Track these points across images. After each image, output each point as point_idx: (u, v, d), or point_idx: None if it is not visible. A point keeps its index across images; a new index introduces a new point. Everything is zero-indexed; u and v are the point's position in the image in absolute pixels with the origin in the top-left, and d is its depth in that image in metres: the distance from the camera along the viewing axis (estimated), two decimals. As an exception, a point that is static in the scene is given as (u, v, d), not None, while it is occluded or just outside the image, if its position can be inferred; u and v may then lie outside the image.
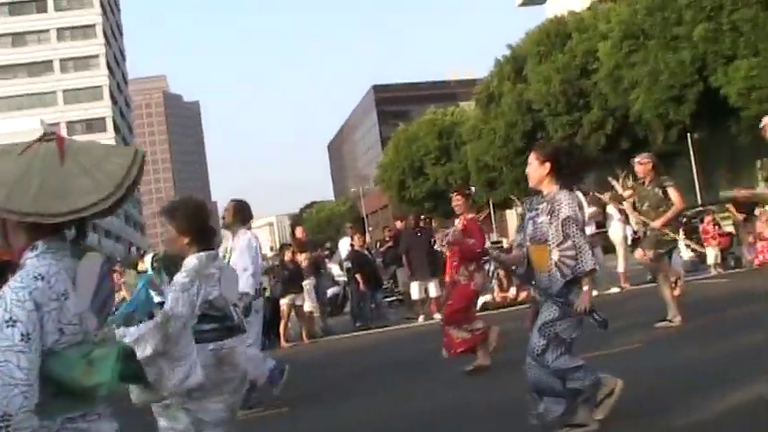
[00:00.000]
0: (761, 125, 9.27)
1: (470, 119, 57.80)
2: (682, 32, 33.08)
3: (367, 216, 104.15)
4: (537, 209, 5.64)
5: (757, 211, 19.16)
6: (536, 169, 5.71)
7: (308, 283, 17.08)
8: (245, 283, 8.35)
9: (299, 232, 19.30)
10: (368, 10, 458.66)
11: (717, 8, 31.50)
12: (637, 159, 11.25)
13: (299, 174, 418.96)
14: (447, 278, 10.53)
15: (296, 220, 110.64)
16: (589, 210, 17.46)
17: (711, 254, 19.68)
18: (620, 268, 17.76)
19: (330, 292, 20.21)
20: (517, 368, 5.74)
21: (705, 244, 19.76)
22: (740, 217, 18.91)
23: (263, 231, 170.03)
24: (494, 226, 77.69)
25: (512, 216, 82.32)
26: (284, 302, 16.29)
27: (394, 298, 21.54)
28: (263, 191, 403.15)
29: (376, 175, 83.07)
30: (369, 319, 17.78)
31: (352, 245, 18.38)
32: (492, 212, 58.87)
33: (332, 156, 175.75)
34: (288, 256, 16.87)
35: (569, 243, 5.43)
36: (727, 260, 19.75)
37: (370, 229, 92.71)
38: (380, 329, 16.86)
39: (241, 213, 8.77)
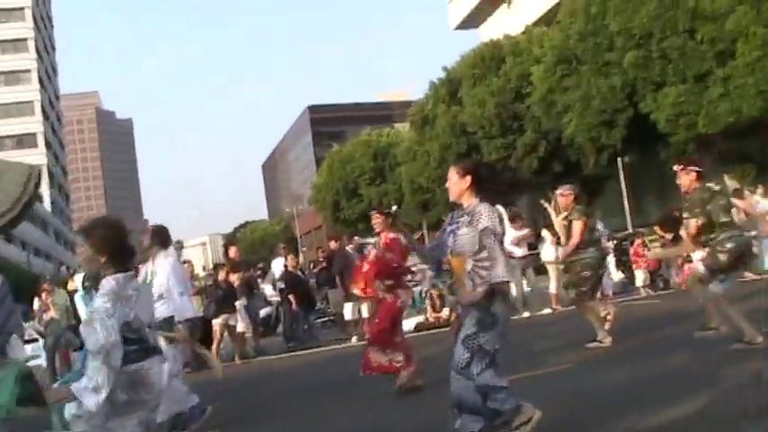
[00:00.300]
0: (675, 167, 9.32)
1: (405, 140, 58.01)
2: (613, 59, 33.61)
3: (301, 236, 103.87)
4: (458, 222, 5.65)
5: (683, 233, 19.47)
6: (456, 183, 5.74)
7: (240, 304, 16.96)
8: (184, 307, 8.29)
9: (232, 252, 19.16)
10: (305, 30, 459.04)
11: (646, 36, 32.07)
12: (559, 191, 11.40)
13: (233, 193, 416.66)
14: (355, 290, 10.48)
15: (229, 240, 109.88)
16: (522, 231, 17.64)
17: (641, 276, 20.02)
18: (552, 289, 17.94)
19: (263, 312, 20.11)
20: (444, 388, 5.73)
21: (635, 266, 20.10)
22: (669, 237, 19.24)
23: (195, 251, 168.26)
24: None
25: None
26: (217, 322, 16.14)
27: (327, 319, 21.50)
28: (196, 210, 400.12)
29: (310, 196, 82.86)
30: (301, 339, 17.71)
31: (285, 265, 18.32)
32: (426, 234, 59.06)
33: (266, 175, 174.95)
34: (221, 275, 16.75)
35: (485, 254, 5.44)
36: (656, 282, 20.09)
37: (304, 249, 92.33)
38: (313, 350, 16.80)
39: (159, 236, 8.74)
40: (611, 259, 20.44)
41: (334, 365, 13.74)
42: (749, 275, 19.29)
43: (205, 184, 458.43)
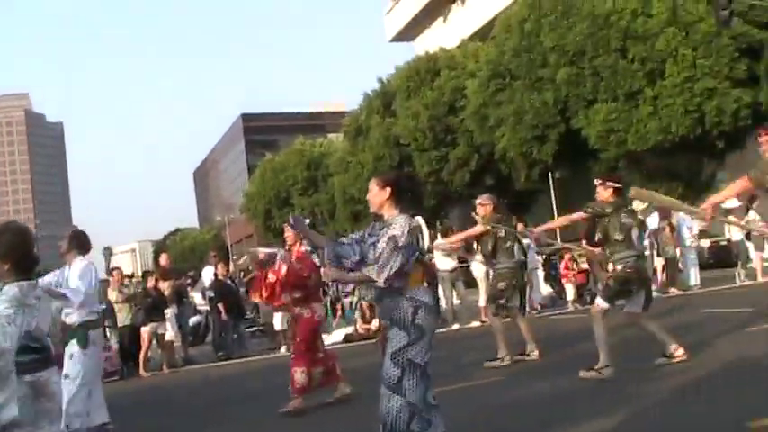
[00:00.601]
0: (596, 182, 9.41)
1: (338, 151, 57.95)
2: (546, 75, 33.97)
3: (231, 245, 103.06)
4: (378, 234, 5.58)
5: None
6: (376, 195, 5.72)
7: (170, 312, 16.80)
8: (77, 310, 8.01)
9: (163, 260, 19.01)
10: (240, 38, 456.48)
11: (579, 53, 32.50)
12: (478, 201, 11.39)
13: (164, 200, 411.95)
14: (256, 299, 10.34)
15: (160, 247, 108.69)
16: (454, 238, 17.73)
17: (570, 290, 20.26)
18: (482, 302, 18.04)
19: (192, 321, 19.94)
20: (374, 399, 5.70)
21: (564, 280, 20.36)
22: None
23: (125, 257, 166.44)
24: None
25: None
26: (145, 330, 15.96)
27: (256, 328, 21.38)
28: (126, 216, 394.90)
29: (242, 204, 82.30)
30: (230, 349, 17.59)
31: (215, 274, 18.18)
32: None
33: (198, 183, 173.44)
34: (150, 283, 16.57)
35: (381, 255, 5.38)
36: (583, 296, 20.35)
37: (234, 258, 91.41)
38: (242, 360, 16.70)
39: (77, 242, 8.53)
40: (540, 273, 20.69)
41: (262, 375, 13.67)
42: (674, 291, 19.68)
43: (136, 190, 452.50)
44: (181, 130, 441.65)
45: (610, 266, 9.42)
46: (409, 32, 73.84)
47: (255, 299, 10.20)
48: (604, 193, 9.15)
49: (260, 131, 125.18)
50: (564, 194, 48.95)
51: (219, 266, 18.48)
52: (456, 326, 17.40)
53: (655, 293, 19.48)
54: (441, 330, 17.56)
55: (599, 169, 35.90)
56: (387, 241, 5.38)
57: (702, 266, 24.13)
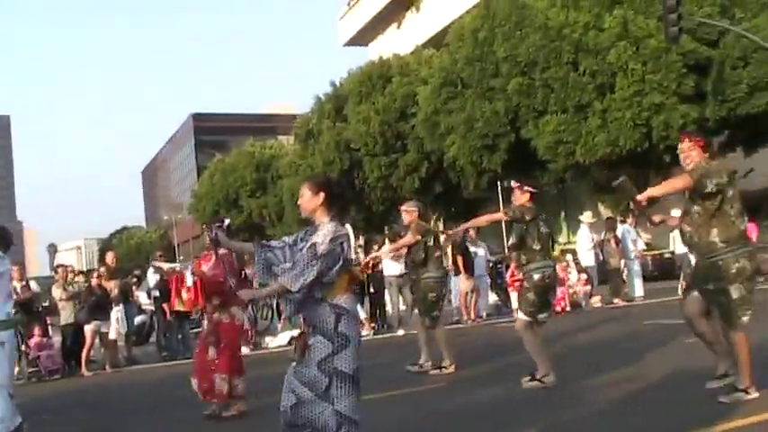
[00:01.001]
0: (512, 184, 9.56)
1: (289, 153, 57.83)
2: (498, 84, 34.20)
3: (178, 245, 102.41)
4: (307, 240, 5.49)
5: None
6: (309, 200, 5.63)
7: (117, 311, 16.66)
8: None
9: (109, 258, 18.78)
10: (192, 38, 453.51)
11: (531, 64, 32.77)
12: (403, 207, 11.41)
13: (111, 198, 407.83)
14: (178, 307, 10.01)
15: (106, 246, 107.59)
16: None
17: (515, 298, 20.37)
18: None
19: (136, 320, 19.75)
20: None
21: (511, 289, 20.49)
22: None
23: (70, 254, 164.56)
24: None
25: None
26: (89, 329, 15.79)
27: (201, 329, 21.26)
28: (72, 213, 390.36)
29: (190, 205, 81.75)
30: (175, 350, 17.45)
31: (161, 274, 18.01)
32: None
33: (146, 182, 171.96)
34: (95, 281, 16.38)
35: (298, 263, 5.33)
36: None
37: (181, 258, 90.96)
38: (186, 361, 16.58)
39: None
40: (487, 281, 20.83)
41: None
42: (618, 302, 19.94)
43: (83, 187, 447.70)
44: (131, 128, 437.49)
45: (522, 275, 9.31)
46: (363, 37, 73.99)
47: (177, 306, 9.91)
48: (522, 197, 9.29)
49: (210, 132, 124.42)
50: (512, 203, 49.32)
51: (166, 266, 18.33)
52: (401, 332, 17.44)
53: (598, 304, 19.84)
54: (386, 336, 17.66)
55: (547, 179, 36.32)
56: (308, 248, 5.32)
57: (647, 278, 24.45)
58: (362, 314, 18.88)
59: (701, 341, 7.39)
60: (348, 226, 5.80)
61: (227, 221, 9.50)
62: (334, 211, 5.57)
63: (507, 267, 21.62)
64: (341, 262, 5.36)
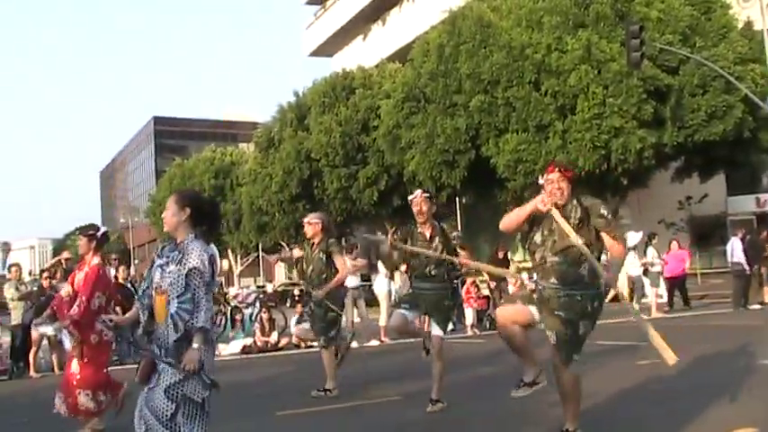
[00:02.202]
0: (410, 197, 9.51)
1: (249, 161, 57.64)
2: (460, 101, 34.28)
3: (134, 248, 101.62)
4: (168, 256, 5.30)
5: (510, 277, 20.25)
6: (174, 214, 5.36)
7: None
8: None
9: (64, 258, 18.61)
10: (158, 40, 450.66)
11: (494, 82, 32.89)
12: (306, 219, 10.89)
13: (66, 198, 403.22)
14: (71, 329, 9.25)
15: (60, 246, 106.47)
16: (357, 261, 17.80)
17: (470, 315, 20.52)
18: (382, 322, 18.16)
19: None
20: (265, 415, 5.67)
21: (466, 305, 20.62)
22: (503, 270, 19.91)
23: (23, 254, 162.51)
24: (261, 270, 77.74)
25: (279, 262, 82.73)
26: (35, 330, 15.63)
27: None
28: (24, 211, 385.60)
29: (147, 208, 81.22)
30: (125, 353, 17.32)
31: (116, 276, 17.90)
32: (260, 257, 58.88)
33: (103, 183, 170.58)
34: (46, 282, 16.23)
35: (189, 295, 5.12)
36: (483, 321, 20.63)
37: (137, 262, 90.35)
38: (136, 365, 16.46)
39: None
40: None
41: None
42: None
43: (37, 185, 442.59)
44: (90, 129, 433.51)
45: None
46: (328, 48, 74.10)
47: (71, 330, 9.52)
48: (423, 205, 9.40)
49: (171, 136, 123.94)
50: (470, 220, 49.61)
51: (120, 269, 18.22)
52: (355, 344, 17.44)
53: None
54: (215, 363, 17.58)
55: (505, 197, 36.52)
56: (188, 275, 5.12)
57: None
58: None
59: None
60: (213, 246, 5.65)
61: (102, 229, 9.21)
62: (199, 229, 5.35)
63: (463, 284, 21.74)
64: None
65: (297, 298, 30.35)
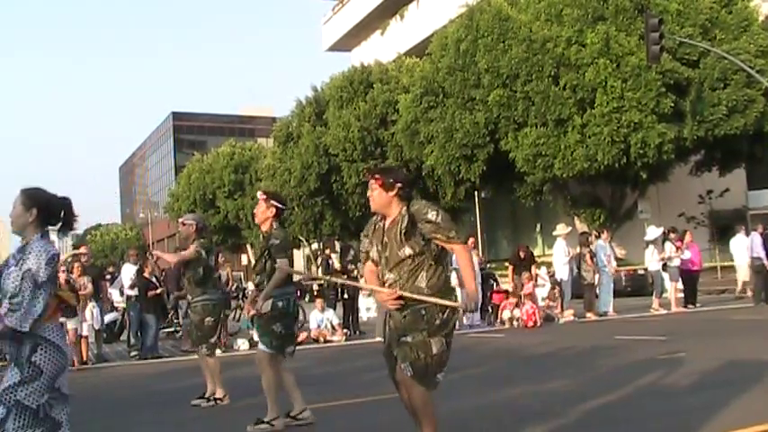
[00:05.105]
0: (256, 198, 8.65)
1: (267, 156, 57.76)
2: (478, 95, 34.25)
3: (153, 244, 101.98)
4: (16, 257, 4.97)
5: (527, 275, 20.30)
6: (19, 215, 5.01)
7: (91, 307, 16.57)
8: None
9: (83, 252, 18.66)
10: (177, 36, 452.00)
11: (513, 77, 32.84)
12: (181, 219, 10.41)
13: (87, 193, 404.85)
14: None
15: (80, 241, 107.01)
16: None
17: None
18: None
19: (107, 318, 19.65)
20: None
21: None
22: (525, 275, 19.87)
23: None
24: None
25: (298, 255, 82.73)
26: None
27: (173, 329, 21.20)
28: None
29: (166, 203, 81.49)
30: (147, 348, 17.37)
31: (140, 271, 17.87)
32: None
33: (123, 178, 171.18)
34: (62, 276, 16.19)
35: (19, 298, 4.78)
36: (488, 314, 20.68)
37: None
38: (155, 360, 16.52)
39: None
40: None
41: (170, 378, 13.54)
42: (590, 316, 20.05)
43: (58, 180, 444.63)
44: (109, 124, 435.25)
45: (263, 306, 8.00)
46: (346, 43, 74.05)
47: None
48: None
49: (190, 131, 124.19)
50: (488, 214, 49.54)
51: (148, 264, 18.17)
52: (380, 338, 17.51)
53: (571, 318, 19.96)
54: (358, 342, 17.66)
55: (524, 192, 36.47)
56: (23, 277, 4.79)
57: (620, 294, 24.63)
58: (335, 320, 18.92)
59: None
60: (55, 246, 5.26)
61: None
62: (44, 228, 5.04)
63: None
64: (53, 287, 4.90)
65: (316, 293, 30.37)
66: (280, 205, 8.26)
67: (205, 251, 9.83)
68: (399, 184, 5.84)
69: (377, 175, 5.91)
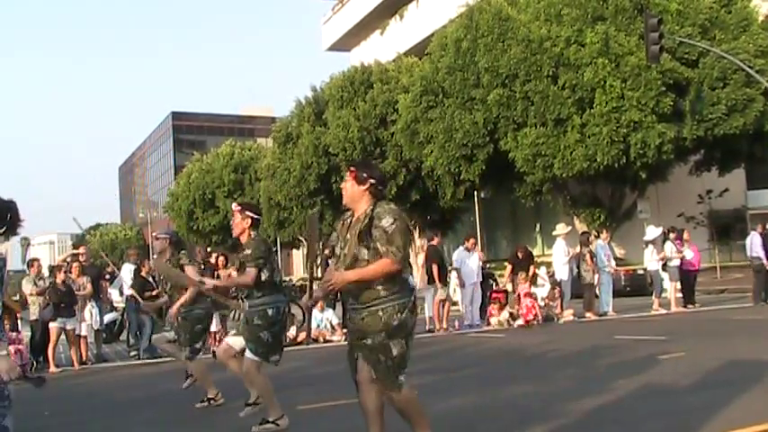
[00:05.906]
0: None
1: (267, 156, 57.75)
2: (478, 95, 34.24)
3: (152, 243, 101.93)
4: None
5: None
6: None
7: (90, 307, 16.56)
8: None
9: (81, 252, 18.65)
10: (177, 36, 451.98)
11: (512, 76, 32.84)
12: (155, 234, 10.44)
13: (86, 193, 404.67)
14: None
15: (79, 242, 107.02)
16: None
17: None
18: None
19: (107, 318, 19.64)
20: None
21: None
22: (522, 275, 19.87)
23: (42, 249, 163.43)
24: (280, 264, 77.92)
25: (298, 256, 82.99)
26: (54, 326, 15.66)
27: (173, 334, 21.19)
28: (44, 205, 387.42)
29: (166, 203, 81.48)
30: (146, 349, 17.36)
31: (137, 270, 17.86)
32: (279, 251, 58.98)
33: (122, 178, 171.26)
34: (60, 277, 16.14)
35: None
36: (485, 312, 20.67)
37: (155, 256, 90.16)
38: (154, 360, 16.50)
39: None
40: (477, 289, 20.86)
41: (174, 378, 13.52)
42: (590, 316, 20.06)
43: (57, 180, 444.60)
44: (109, 124, 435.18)
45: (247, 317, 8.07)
46: (346, 43, 74.10)
47: None
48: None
49: (189, 131, 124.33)
50: (488, 214, 49.57)
51: (146, 264, 18.15)
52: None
53: (571, 318, 19.97)
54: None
55: (524, 192, 36.47)
56: None
57: (620, 293, 24.64)
58: (335, 320, 18.91)
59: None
60: (7, 244, 5.17)
61: None
62: None
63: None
64: None
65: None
66: (254, 215, 8.31)
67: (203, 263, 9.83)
68: (372, 180, 5.77)
69: (352, 168, 5.84)
